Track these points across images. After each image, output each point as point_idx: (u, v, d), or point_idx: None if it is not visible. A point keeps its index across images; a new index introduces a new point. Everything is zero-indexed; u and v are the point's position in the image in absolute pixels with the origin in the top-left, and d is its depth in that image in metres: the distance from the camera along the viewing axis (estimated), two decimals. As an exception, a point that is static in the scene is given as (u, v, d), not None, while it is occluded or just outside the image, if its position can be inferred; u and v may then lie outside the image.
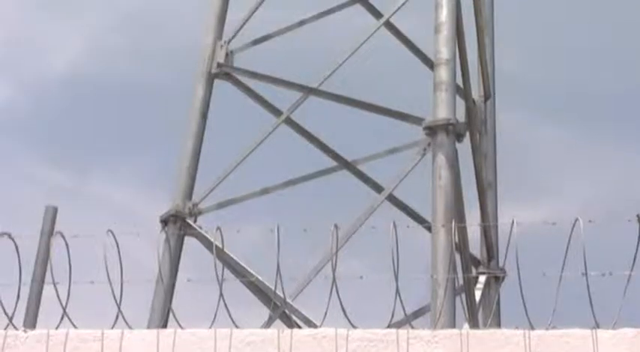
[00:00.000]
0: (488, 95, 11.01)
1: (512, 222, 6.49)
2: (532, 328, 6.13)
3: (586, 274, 6.40)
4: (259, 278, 8.78)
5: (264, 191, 10.07)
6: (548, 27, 18.44)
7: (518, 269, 6.63)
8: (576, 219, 6.53)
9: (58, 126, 20.44)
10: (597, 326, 6.09)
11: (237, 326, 6.32)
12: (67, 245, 6.68)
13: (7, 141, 20.64)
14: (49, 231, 7.00)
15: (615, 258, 6.79)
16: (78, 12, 21.40)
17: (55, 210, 7.17)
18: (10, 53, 21.39)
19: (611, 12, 18.32)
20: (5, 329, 6.48)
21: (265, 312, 8.94)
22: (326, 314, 6.39)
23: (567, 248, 6.63)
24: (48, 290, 6.92)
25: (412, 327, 6.17)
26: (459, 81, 9.53)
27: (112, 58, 20.34)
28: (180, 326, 6.44)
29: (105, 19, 21.07)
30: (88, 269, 7.10)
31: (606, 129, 18.59)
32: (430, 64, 9.31)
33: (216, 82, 10.15)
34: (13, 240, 6.56)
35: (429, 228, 8.38)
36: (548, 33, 18.56)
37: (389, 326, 6.10)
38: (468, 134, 9.44)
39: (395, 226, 6.82)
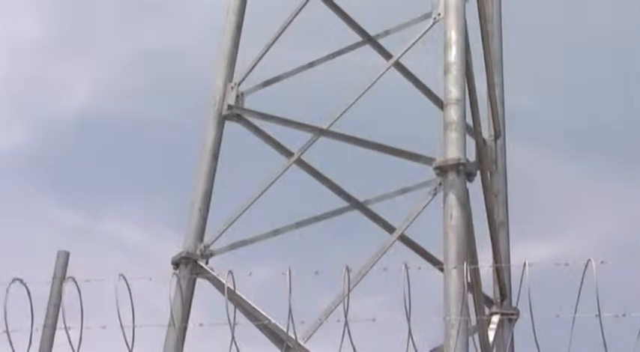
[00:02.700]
0: (498, 134, 11.00)
1: (525, 263, 6.49)
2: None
3: (599, 315, 6.38)
4: (271, 320, 8.76)
5: (276, 232, 10.05)
6: (559, 64, 18.49)
7: (531, 310, 6.63)
8: (588, 260, 6.53)
9: (70, 166, 20.52)
10: (611, 368, 6.05)
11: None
12: (79, 290, 6.70)
13: (21, 182, 20.72)
14: (61, 276, 7.02)
15: (630, 298, 6.76)
16: (90, 53, 21.57)
17: (67, 254, 7.20)
18: (24, 93, 21.53)
19: (621, 47, 18.37)
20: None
21: (278, 354, 8.92)
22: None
23: (580, 289, 6.61)
24: (60, 336, 6.92)
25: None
26: (469, 120, 9.52)
27: (124, 99, 20.46)
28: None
29: (117, 59, 21.22)
30: (101, 313, 7.10)
31: (618, 166, 18.56)
32: (440, 104, 9.31)
33: (227, 123, 10.17)
34: (25, 285, 6.58)
35: (441, 269, 8.35)
36: (559, 70, 18.61)
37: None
38: (478, 173, 9.42)
39: (407, 267, 6.82)
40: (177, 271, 9.30)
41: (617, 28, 18.78)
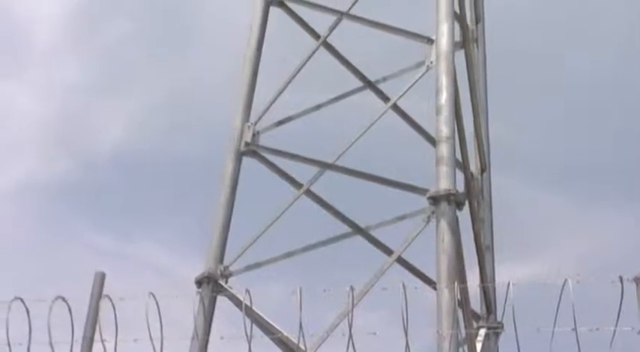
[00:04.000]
0: (484, 167, 11.02)
1: (509, 283, 6.49)
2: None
3: (575, 329, 6.37)
4: (284, 333, 8.74)
5: (288, 254, 10.03)
6: (537, 102, 18.52)
7: (514, 324, 6.61)
8: (565, 280, 6.52)
9: (106, 195, 20.56)
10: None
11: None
12: (113, 307, 6.70)
13: (62, 210, 20.77)
14: (97, 295, 7.02)
15: (604, 313, 6.75)
16: (124, 94, 21.69)
17: (103, 275, 7.20)
18: (66, 131, 21.62)
19: (595, 88, 18.42)
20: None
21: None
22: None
23: (558, 305, 6.60)
24: (97, 348, 6.92)
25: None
26: (459, 156, 9.54)
27: (154, 135, 20.55)
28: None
29: (148, 100, 21.32)
30: (133, 328, 7.10)
31: (592, 194, 18.56)
32: (432, 141, 9.32)
33: (244, 158, 10.18)
34: (66, 302, 6.59)
35: (434, 288, 8.33)
36: (538, 107, 18.64)
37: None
38: (467, 203, 9.40)
39: (404, 287, 6.82)
40: (200, 289, 9.29)
41: (594, 70, 18.87)
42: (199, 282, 9.41)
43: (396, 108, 10.24)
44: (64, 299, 6.61)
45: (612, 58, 18.63)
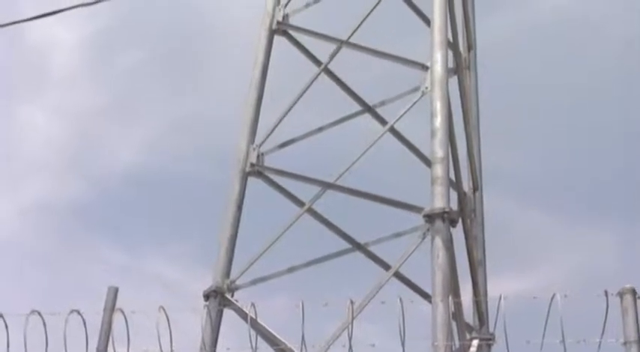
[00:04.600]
0: (476, 187, 11.01)
1: (500, 296, 6.49)
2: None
3: (563, 341, 6.37)
4: (287, 344, 8.72)
5: (291, 269, 10.03)
6: (526, 125, 18.57)
7: (505, 336, 6.61)
8: (554, 294, 6.52)
9: (118, 213, 20.58)
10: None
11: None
12: (126, 320, 6.70)
13: (77, 227, 20.78)
14: (111, 308, 7.02)
15: (590, 325, 6.75)
16: (137, 117, 21.76)
17: (116, 290, 7.19)
18: (80, 153, 21.66)
19: (577, 111, 18.47)
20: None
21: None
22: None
23: (547, 318, 6.61)
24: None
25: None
26: (452, 176, 9.55)
27: (165, 156, 20.58)
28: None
29: (159, 123, 21.38)
30: (144, 339, 7.09)
31: (578, 212, 18.57)
32: (428, 162, 9.33)
33: (250, 178, 10.19)
34: (81, 316, 6.59)
35: (429, 301, 8.32)
36: (527, 130, 18.68)
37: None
38: (460, 220, 9.41)
39: (401, 300, 6.82)
40: (207, 303, 9.28)
41: (573, 97, 18.93)
42: (207, 296, 9.41)
43: (393, 131, 10.26)
44: (78, 313, 6.61)
45: (592, 85, 18.72)
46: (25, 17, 6.62)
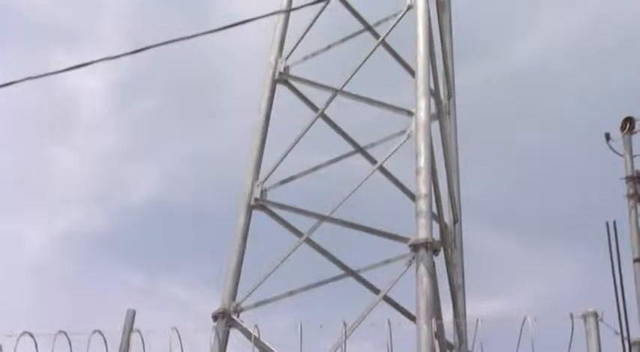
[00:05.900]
0: (456, 219, 11.03)
1: (477, 320, 6.49)
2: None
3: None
4: (287, 361, 8.69)
5: (291, 293, 10.01)
6: (499, 163, 18.64)
7: (482, 354, 6.60)
8: (525, 317, 6.53)
9: (137, 241, 20.57)
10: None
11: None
12: (142, 341, 6.68)
13: (101, 254, 20.76)
14: (129, 329, 6.99)
15: (558, 344, 6.75)
16: (154, 155, 21.82)
17: (134, 312, 7.17)
18: (104, 188, 21.72)
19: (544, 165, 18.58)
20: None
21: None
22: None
23: (519, 338, 6.61)
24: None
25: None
26: (434, 209, 9.58)
27: (180, 190, 20.62)
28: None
29: (175, 160, 21.44)
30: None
31: (547, 241, 18.57)
32: (412, 197, 9.36)
33: (254, 211, 10.21)
34: (103, 336, 6.57)
35: (414, 322, 8.30)
36: (500, 167, 18.75)
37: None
38: (442, 249, 9.41)
39: (389, 323, 6.82)
40: (215, 323, 9.25)
41: (542, 141, 19.04)
42: (215, 317, 9.39)
43: (382, 169, 10.31)
44: (100, 333, 6.60)
45: (561, 132, 18.85)
46: (58, 68, 6.69)
